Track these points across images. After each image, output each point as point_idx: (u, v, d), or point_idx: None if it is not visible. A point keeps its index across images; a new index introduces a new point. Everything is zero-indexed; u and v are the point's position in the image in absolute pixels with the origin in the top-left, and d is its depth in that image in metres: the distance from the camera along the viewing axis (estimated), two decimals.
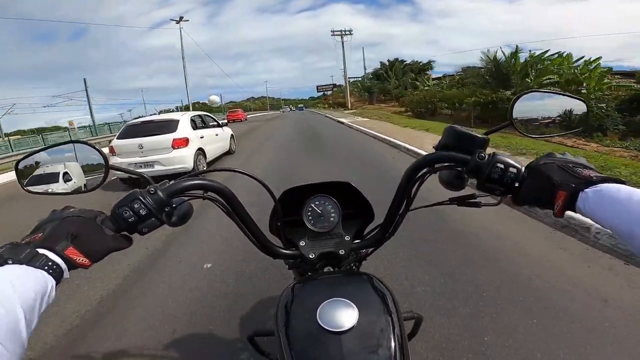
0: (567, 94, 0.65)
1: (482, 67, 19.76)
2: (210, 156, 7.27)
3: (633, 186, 0.46)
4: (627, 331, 1.66)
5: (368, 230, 0.84)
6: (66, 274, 0.49)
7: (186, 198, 0.63)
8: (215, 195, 0.65)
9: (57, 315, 2.15)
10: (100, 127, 27.23)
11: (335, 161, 7.13)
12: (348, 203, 0.82)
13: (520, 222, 3.07)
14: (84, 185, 0.65)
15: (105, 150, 5.97)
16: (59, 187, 0.66)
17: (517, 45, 18.17)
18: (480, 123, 16.54)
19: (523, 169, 0.56)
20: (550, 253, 2.50)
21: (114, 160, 5.92)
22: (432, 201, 0.75)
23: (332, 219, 0.79)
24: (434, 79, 36.11)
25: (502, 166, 0.55)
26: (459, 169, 0.63)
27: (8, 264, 0.43)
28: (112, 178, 6.24)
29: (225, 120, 9.86)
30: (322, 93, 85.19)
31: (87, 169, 0.64)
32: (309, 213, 0.80)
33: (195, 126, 7.02)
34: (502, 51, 18.43)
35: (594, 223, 0.67)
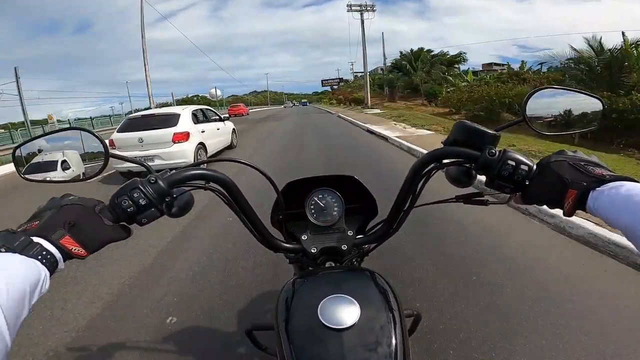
0: (583, 91, 0.64)
1: (581, 59, 12.54)
2: (211, 150, 7.24)
3: None
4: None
5: (371, 226, 0.82)
6: (61, 265, 0.47)
7: (187, 188, 0.61)
8: (216, 185, 0.64)
9: None
10: (82, 122, 25.50)
11: None
12: (351, 197, 0.80)
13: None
14: (83, 173, 0.64)
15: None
16: (57, 175, 0.64)
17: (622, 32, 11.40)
18: (594, 144, 8.95)
19: (535, 166, 0.55)
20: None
21: None
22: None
23: (335, 213, 0.78)
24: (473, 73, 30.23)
25: (513, 163, 0.54)
26: (467, 165, 0.61)
27: (1, 252, 0.42)
28: (111, 171, 6.23)
29: (227, 115, 9.81)
30: (328, 88, 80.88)
31: (86, 158, 0.63)
32: (312, 206, 0.79)
33: (196, 120, 7.00)
34: (624, 37, 11.18)
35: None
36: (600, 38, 12.10)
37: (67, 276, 2.53)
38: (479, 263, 2.40)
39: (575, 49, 12.89)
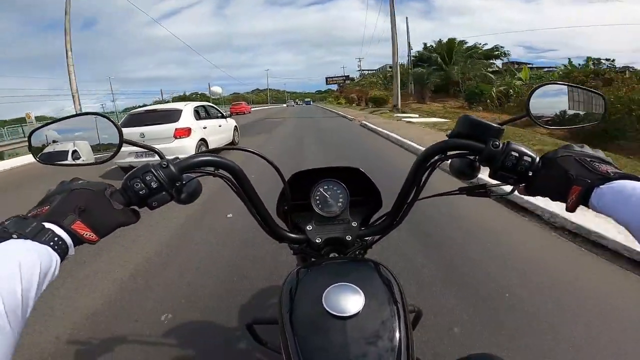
0: (586, 87, 0.65)
1: None
2: (212, 147, 7.22)
3: None
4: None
5: (375, 218, 0.83)
6: (71, 251, 0.47)
7: (197, 175, 0.63)
8: (226, 173, 0.64)
9: None
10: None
11: None
12: (356, 189, 0.81)
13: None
14: (93, 161, 0.65)
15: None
16: (69, 163, 0.65)
17: None
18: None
19: (538, 158, 0.56)
20: None
21: None
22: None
23: (340, 204, 0.79)
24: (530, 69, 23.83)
25: (516, 154, 0.55)
26: (471, 157, 0.62)
27: (13, 238, 0.42)
28: (112, 167, 6.23)
29: (229, 112, 9.81)
30: (333, 86, 75.98)
31: (97, 147, 0.64)
32: (317, 197, 0.79)
33: (198, 117, 7.00)
34: None
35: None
36: None
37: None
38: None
39: None
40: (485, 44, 29.49)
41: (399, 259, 2.42)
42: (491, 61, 28.63)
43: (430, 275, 2.23)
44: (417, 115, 15.98)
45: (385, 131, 9.74)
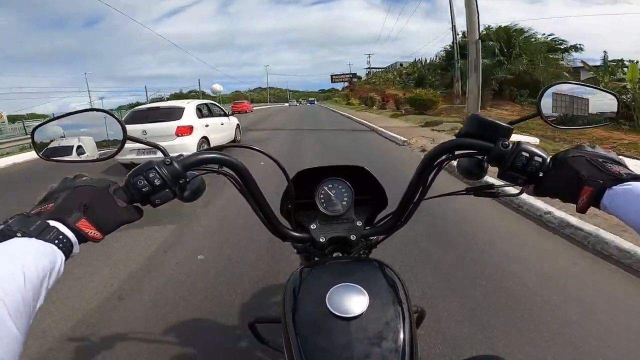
0: (598, 87, 0.64)
1: None
2: (214, 144, 7.24)
3: None
4: None
5: (380, 217, 0.82)
6: (76, 249, 0.47)
7: (200, 172, 0.62)
8: (229, 170, 0.64)
9: None
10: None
11: None
12: (361, 188, 0.80)
13: None
14: (97, 157, 0.64)
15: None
16: (72, 159, 0.65)
17: None
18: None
19: (549, 159, 0.55)
20: None
21: None
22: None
23: (344, 203, 0.78)
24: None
25: (527, 154, 0.54)
26: (479, 157, 0.62)
27: (17, 236, 0.41)
28: (113, 163, 6.23)
29: (231, 111, 9.83)
30: (341, 84, 70.01)
31: (101, 143, 0.64)
32: (322, 196, 0.79)
33: (200, 114, 7.01)
34: None
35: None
36: None
37: None
38: None
39: None
40: (551, 35, 20.97)
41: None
42: (557, 55, 20.77)
43: None
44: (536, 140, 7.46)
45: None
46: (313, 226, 0.75)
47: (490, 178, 0.70)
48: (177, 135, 6.15)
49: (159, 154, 0.61)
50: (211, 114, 7.75)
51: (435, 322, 1.77)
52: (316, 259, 0.77)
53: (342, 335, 0.50)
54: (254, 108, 41.84)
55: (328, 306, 0.52)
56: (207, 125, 6.98)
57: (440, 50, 31.33)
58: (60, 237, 0.44)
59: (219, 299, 2.10)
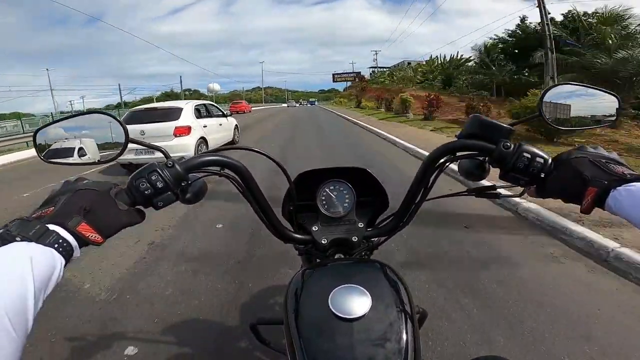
0: (600, 88, 0.64)
1: None
2: (212, 145, 7.23)
3: None
4: None
5: (381, 219, 0.83)
6: (77, 252, 0.46)
7: (202, 174, 0.62)
8: (231, 172, 0.64)
9: None
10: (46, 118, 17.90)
11: None
12: (362, 190, 0.81)
13: None
14: (97, 159, 0.65)
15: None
16: (74, 160, 0.65)
17: None
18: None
19: (550, 160, 0.55)
20: None
21: None
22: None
23: (346, 204, 0.78)
24: None
25: (528, 156, 0.55)
26: (481, 158, 0.62)
27: (16, 240, 0.41)
28: (112, 163, 6.21)
29: (229, 112, 9.83)
30: (345, 83, 63.55)
31: (103, 145, 0.64)
32: (323, 197, 0.79)
33: (199, 115, 7.02)
34: None
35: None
36: None
37: None
38: None
39: None
40: None
41: None
42: None
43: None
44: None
45: None
46: (315, 228, 0.75)
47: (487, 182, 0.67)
48: (175, 136, 6.14)
49: (158, 154, 0.61)
50: (209, 114, 7.75)
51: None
52: (318, 260, 0.77)
53: (345, 337, 0.50)
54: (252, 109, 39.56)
55: (331, 308, 0.52)
56: (205, 126, 6.98)
57: (475, 46, 26.03)
58: (60, 241, 0.44)
59: None
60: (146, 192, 0.53)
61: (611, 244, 2.46)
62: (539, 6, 13.43)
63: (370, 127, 12.68)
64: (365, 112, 25.47)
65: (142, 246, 2.98)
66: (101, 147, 0.64)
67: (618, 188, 0.47)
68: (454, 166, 0.68)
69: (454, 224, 3.13)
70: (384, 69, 51.14)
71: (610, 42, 12.30)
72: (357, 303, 0.52)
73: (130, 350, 1.73)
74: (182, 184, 0.57)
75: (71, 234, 0.45)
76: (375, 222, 0.84)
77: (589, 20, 16.26)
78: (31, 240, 0.41)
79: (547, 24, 13.41)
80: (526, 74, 19.37)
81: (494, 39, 24.05)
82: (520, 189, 0.61)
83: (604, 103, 0.64)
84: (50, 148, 0.63)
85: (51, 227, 0.44)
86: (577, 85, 0.64)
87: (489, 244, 2.75)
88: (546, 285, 2.16)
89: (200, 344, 1.77)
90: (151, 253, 2.87)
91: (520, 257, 2.55)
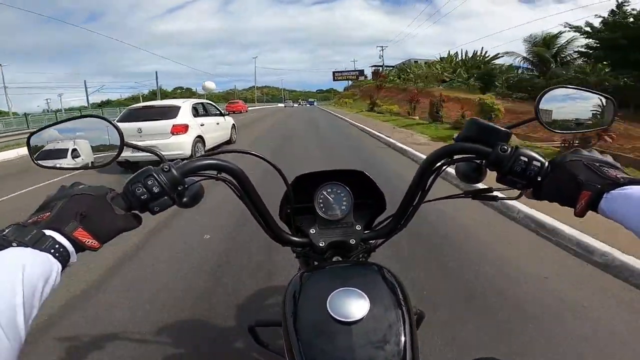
0: (596, 91, 0.64)
1: None
2: (209, 144, 7.24)
3: None
4: None
5: (379, 221, 0.83)
6: (73, 258, 0.46)
7: (199, 178, 0.62)
8: (228, 176, 0.64)
9: None
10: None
11: None
12: (360, 192, 0.81)
13: None
14: (92, 162, 0.64)
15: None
16: (67, 163, 0.64)
17: None
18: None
19: (547, 163, 0.55)
20: None
21: None
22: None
23: (343, 207, 0.78)
24: None
25: (525, 159, 0.55)
26: (478, 161, 0.62)
27: (12, 246, 0.41)
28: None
29: (226, 111, 9.82)
30: (346, 82, 58.22)
31: (97, 148, 0.63)
32: (321, 200, 0.79)
33: (196, 113, 7.03)
34: None
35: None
36: None
37: None
38: None
39: None
40: None
41: None
42: None
43: None
44: None
45: None
46: (312, 231, 0.75)
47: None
48: (173, 134, 6.14)
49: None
50: (207, 113, 7.76)
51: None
52: (315, 263, 0.77)
53: (343, 340, 0.50)
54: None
55: (329, 311, 0.52)
56: (202, 125, 6.98)
57: (531, 37, 20.64)
58: (57, 246, 0.43)
59: None
60: (142, 197, 0.53)
61: None
62: None
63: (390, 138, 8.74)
64: (393, 120, 15.34)
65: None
66: (96, 149, 0.63)
67: (611, 192, 0.47)
68: (451, 170, 0.67)
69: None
70: (390, 67, 45.21)
71: None
72: (355, 306, 0.52)
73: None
74: (179, 188, 0.56)
75: (68, 240, 0.45)
76: (373, 225, 0.84)
77: None
78: (27, 246, 0.41)
79: None
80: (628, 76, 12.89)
81: (571, 29, 17.31)
82: (517, 192, 0.61)
83: (601, 105, 0.64)
84: (44, 149, 0.63)
85: (47, 232, 0.44)
86: (573, 88, 0.64)
87: None
88: None
89: (198, 345, 1.77)
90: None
91: None
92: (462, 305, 2.00)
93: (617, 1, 14.61)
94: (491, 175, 0.62)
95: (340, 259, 0.75)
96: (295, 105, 60.07)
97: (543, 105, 0.62)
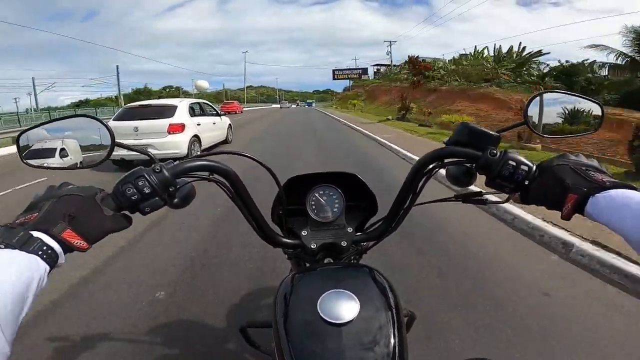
0: (584, 96, 0.65)
1: None
2: (205, 143, 7.25)
3: None
4: None
5: (370, 224, 0.83)
6: (61, 259, 0.45)
7: (191, 179, 0.61)
8: (220, 177, 0.63)
9: None
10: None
11: None
12: (352, 195, 0.81)
13: None
14: (80, 162, 0.63)
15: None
16: (55, 162, 0.64)
17: None
18: None
19: (534, 167, 0.56)
20: None
21: None
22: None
23: (335, 209, 0.78)
24: None
25: (513, 163, 0.55)
26: (468, 165, 0.62)
27: (0, 248, 0.40)
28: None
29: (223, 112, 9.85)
30: (347, 81, 54.57)
31: (87, 147, 0.62)
32: (313, 202, 0.79)
33: (193, 113, 7.03)
34: None
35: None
36: None
37: None
38: None
39: None
40: None
41: None
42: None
43: None
44: None
45: None
46: (304, 232, 0.75)
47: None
48: (169, 133, 6.14)
49: (150, 150, 0.60)
50: (203, 113, 7.76)
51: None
52: (307, 264, 0.77)
53: (334, 342, 0.50)
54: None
55: (319, 313, 0.52)
56: (198, 124, 6.98)
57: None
58: (45, 248, 0.43)
59: None
60: (133, 197, 0.53)
61: None
62: None
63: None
64: (424, 136, 10.09)
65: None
66: (86, 148, 0.62)
67: (597, 195, 0.48)
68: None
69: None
70: (395, 66, 40.10)
71: None
72: (345, 308, 0.52)
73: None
74: (170, 189, 0.56)
75: (56, 241, 0.45)
76: (365, 227, 0.84)
77: None
78: (15, 248, 0.41)
79: None
80: None
81: None
82: (505, 196, 0.61)
83: (588, 110, 0.65)
84: (32, 148, 0.62)
85: (35, 234, 0.43)
86: (561, 93, 0.65)
87: None
88: None
89: (190, 345, 1.76)
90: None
91: None
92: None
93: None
94: (482, 178, 0.63)
95: (332, 261, 0.75)
96: (293, 106, 58.92)
97: (532, 110, 0.62)
